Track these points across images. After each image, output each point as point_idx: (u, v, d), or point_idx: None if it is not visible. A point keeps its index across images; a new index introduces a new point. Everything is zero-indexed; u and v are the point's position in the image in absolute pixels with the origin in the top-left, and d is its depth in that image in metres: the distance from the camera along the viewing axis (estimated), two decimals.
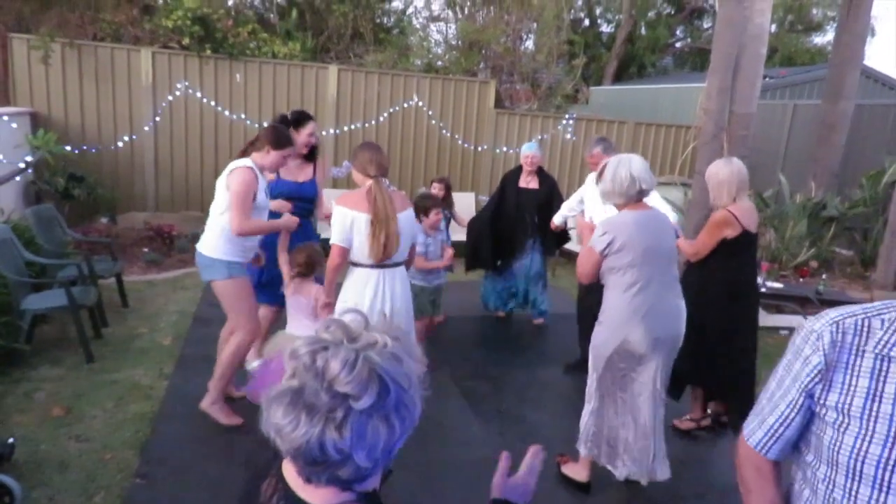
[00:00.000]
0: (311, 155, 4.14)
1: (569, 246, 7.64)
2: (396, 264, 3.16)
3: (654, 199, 4.34)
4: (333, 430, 0.84)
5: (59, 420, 3.52)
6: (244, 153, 3.46)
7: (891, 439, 1.13)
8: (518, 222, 5.42)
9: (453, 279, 6.22)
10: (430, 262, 4.45)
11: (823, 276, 6.29)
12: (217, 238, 3.36)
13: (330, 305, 3.21)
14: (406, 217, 3.14)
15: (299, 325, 3.50)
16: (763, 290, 5.77)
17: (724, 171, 3.45)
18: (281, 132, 3.48)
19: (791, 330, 5.27)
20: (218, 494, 2.96)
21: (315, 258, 3.56)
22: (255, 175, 3.33)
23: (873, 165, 8.19)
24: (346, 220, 3.01)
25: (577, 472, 3.24)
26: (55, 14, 7.83)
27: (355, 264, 3.12)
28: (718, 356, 3.59)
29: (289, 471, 0.96)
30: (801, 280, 6.77)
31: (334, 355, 0.85)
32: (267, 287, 4.02)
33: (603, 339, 2.97)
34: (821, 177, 8.47)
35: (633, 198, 2.90)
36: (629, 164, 2.88)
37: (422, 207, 4.35)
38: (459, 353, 4.78)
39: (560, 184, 5.99)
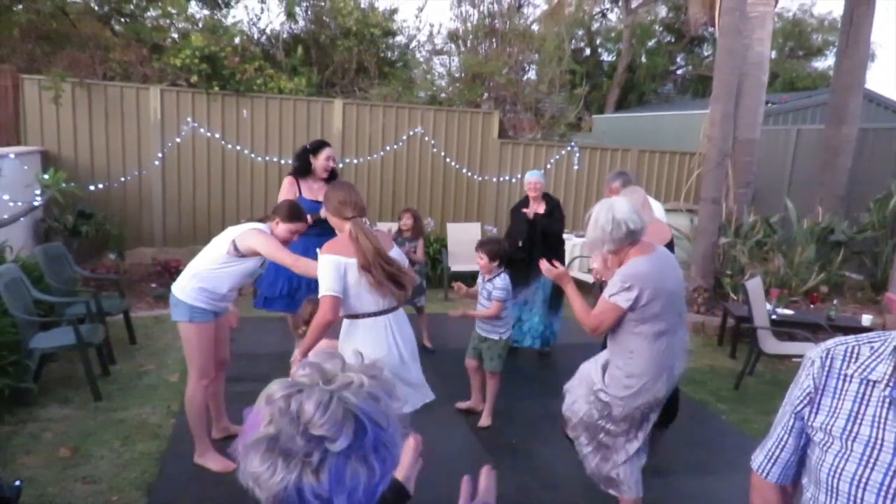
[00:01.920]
0: (331, 178, 4.67)
1: (575, 274, 7.63)
2: (396, 308, 2.95)
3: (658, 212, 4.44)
4: (311, 475, 0.82)
5: (66, 461, 3.49)
6: (262, 221, 3.49)
7: (865, 458, 1.18)
8: (530, 250, 5.41)
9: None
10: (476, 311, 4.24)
11: (834, 302, 6.23)
12: (187, 280, 3.35)
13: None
14: (394, 254, 2.93)
15: None
16: (773, 317, 5.72)
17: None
18: (295, 207, 3.48)
19: (802, 357, 5.21)
20: None
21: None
22: (270, 236, 3.34)
23: (879, 189, 8.18)
24: (339, 268, 2.74)
25: None
26: (66, 55, 7.99)
27: (355, 316, 2.87)
28: None
29: None
30: (811, 306, 6.71)
31: (308, 397, 0.84)
32: (287, 297, 4.52)
33: (630, 393, 2.79)
34: (827, 201, 8.45)
35: (624, 241, 2.72)
36: (611, 208, 2.73)
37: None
38: (466, 386, 4.72)
39: (566, 212, 5.98)
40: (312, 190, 4.63)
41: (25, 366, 4.13)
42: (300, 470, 0.82)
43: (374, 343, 2.83)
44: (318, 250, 2.85)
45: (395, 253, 2.95)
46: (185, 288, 3.34)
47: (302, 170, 4.66)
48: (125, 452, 3.62)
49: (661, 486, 3.63)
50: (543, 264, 3.09)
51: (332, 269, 2.74)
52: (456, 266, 7.80)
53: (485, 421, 4.30)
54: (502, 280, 4.18)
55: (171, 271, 6.87)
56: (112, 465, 3.49)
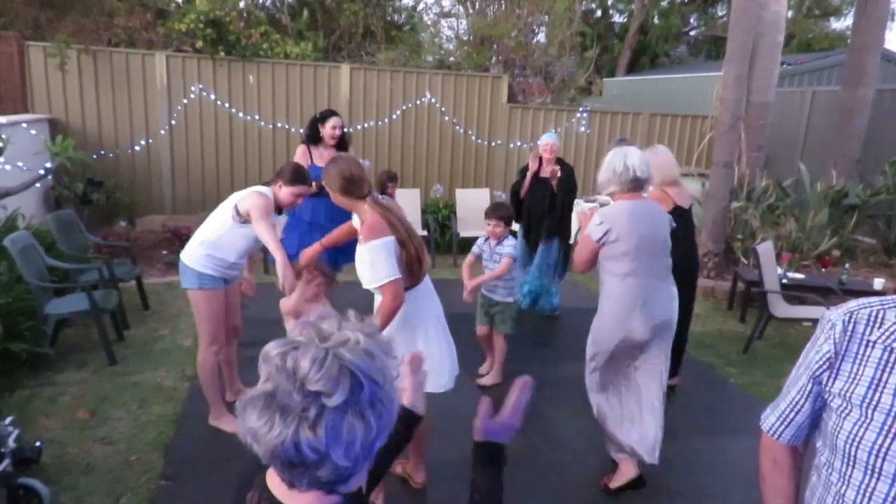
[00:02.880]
0: (341, 146, 4.95)
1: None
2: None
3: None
4: (307, 430, 0.84)
5: (85, 423, 3.57)
6: (267, 184, 3.46)
7: (886, 428, 1.15)
8: (542, 212, 5.43)
9: None
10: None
11: (846, 266, 6.19)
12: (196, 247, 3.35)
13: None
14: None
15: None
16: (784, 281, 5.70)
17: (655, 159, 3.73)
18: (297, 169, 3.44)
19: (813, 321, 5.20)
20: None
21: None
22: (269, 200, 3.31)
23: (895, 151, 8.05)
24: (391, 250, 2.61)
25: (623, 475, 3.16)
26: (70, 21, 7.93)
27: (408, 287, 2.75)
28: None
29: (273, 479, 0.96)
30: (823, 270, 6.67)
31: (304, 354, 0.86)
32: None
33: (607, 332, 3.01)
34: (841, 164, 8.33)
35: (627, 185, 2.96)
36: (624, 154, 2.98)
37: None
38: (474, 349, 4.76)
39: (576, 177, 5.94)
40: (323, 157, 4.81)
41: (41, 331, 4.20)
42: (297, 424, 0.84)
43: (427, 312, 2.83)
44: (362, 240, 2.70)
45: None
46: (192, 255, 3.36)
47: (312, 138, 4.92)
48: (141, 415, 3.70)
49: (668, 447, 3.67)
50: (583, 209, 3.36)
51: (386, 252, 2.59)
52: (465, 232, 7.80)
53: (489, 379, 4.36)
54: (510, 240, 4.21)
55: (182, 238, 6.90)
56: (129, 426, 3.56)
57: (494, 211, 4.25)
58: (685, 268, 3.85)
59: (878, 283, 5.85)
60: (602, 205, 8.08)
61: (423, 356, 1.46)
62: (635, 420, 3.09)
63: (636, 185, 2.97)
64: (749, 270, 6.20)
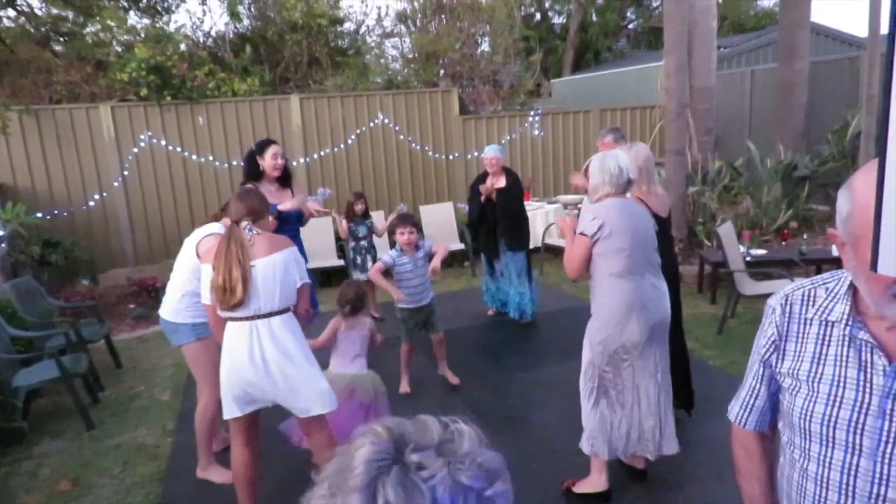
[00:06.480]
0: (286, 180, 4.31)
1: (552, 241, 7.70)
2: (269, 314, 2.76)
3: None
4: None
5: (68, 493, 3.46)
6: (215, 218, 3.40)
7: (832, 398, 1.20)
8: (494, 225, 5.50)
9: (441, 290, 6.24)
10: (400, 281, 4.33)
11: (805, 236, 6.37)
12: (178, 301, 3.30)
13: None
14: (271, 262, 2.73)
15: (344, 363, 3.60)
16: (748, 258, 5.84)
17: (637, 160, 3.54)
18: (264, 198, 3.44)
19: None
20: None
21: (364, 290, 3.70)
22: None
23: (836, 120, 8.34)
24: (203, 274, 2.81)
25: (592, 484, 3.15)
26: (7, 82, 7.77)
27: (228, 319, 2.79)
28: None
29: None
30: (783, 243, 6.86)
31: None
32: None
33: (605, 335, 2.93)
34: (788, 138, 8.59)
35: (621, 188, 2.93)
36: (616, 157, 2.95)
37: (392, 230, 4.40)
38: (457, 364, 4.75)
39: (535, 180, 6.02)
40: (271, 193, 4.15)
41: (12, 405, 4.07)
42: None
43: (234, 347, 2.77)
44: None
45: (271, 261, 2.74)
46: (180, 310, 3.30)
47: (253, 174, 4.20)
48: (126, 477, 3.61)
49: None
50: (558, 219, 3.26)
51: (206, 278, 2.77)
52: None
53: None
54: (426, 242, 4.40)
55: (149, 289, 6.79)
56: (114, 491, 3.47)
57: (404, 220, 4.31)
58: (674, 282, 3.75)
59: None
60: (566, 205, 8.19)
61: None
62: (634, 420, 3.03)
63: (628, 187, 2.96)
64: (714, 252, 6.33)
